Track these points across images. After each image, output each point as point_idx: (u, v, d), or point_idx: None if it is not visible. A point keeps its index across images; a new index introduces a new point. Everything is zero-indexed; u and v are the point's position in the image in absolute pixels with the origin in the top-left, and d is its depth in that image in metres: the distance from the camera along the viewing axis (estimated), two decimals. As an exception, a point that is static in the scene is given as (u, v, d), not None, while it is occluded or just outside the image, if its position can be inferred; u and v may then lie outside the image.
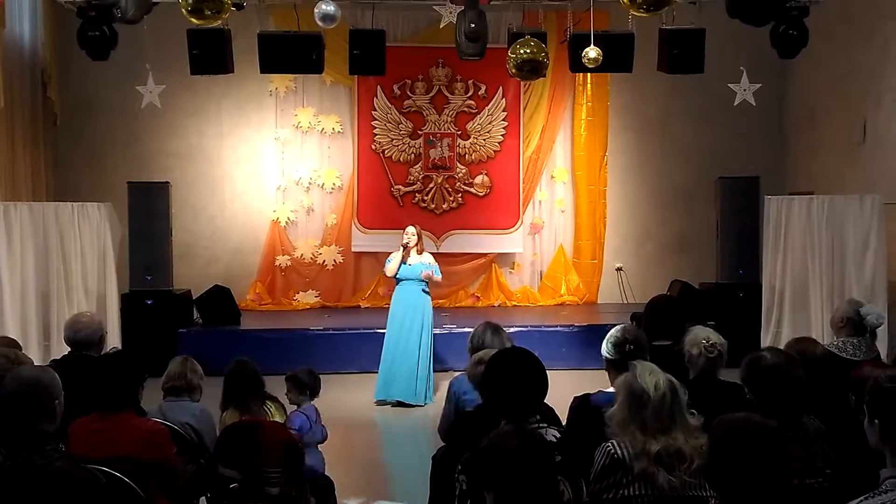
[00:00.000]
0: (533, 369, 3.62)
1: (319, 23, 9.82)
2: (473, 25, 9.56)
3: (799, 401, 3.63)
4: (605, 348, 4.31)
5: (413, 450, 7.82)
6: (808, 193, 10.31)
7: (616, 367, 4.18)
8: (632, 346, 4.20)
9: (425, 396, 8.86)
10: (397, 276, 8.99)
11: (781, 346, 4.53)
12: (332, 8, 9.67)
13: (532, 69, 8.60)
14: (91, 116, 12.64)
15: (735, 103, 10.41)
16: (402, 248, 8.97)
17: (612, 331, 4.36)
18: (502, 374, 3.61)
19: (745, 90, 10.30)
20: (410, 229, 9.05)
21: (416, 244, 8.99)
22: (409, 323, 8.92)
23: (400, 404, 8.82)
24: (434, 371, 9.14)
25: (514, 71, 8.62)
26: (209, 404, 5.06)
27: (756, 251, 10.59)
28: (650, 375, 3.32)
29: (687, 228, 13.09)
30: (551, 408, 4.01)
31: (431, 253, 9.56)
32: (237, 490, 4.18)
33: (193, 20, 5.82)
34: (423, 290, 9.00)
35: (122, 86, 11.65)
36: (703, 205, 12.17)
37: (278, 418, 4.95)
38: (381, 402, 8.92)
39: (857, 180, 10.76)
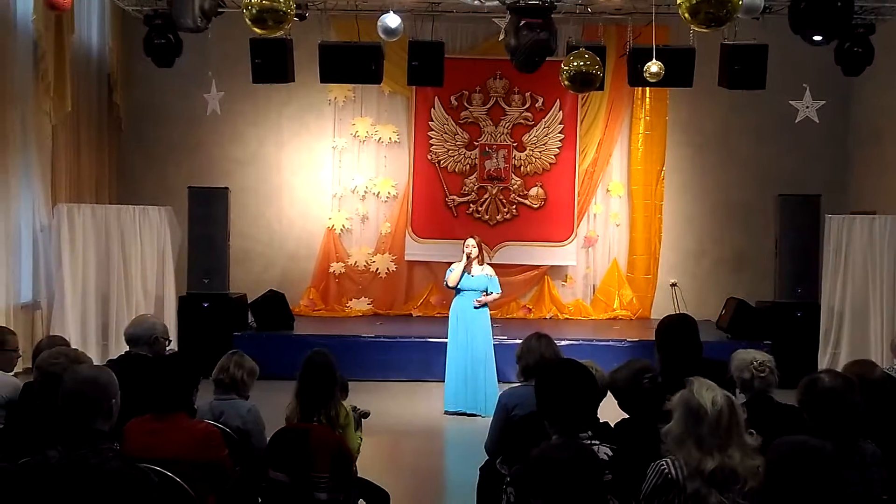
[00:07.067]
0: (585, 382, 3.60)
1: (382, 36, 9.92)
2: (513, 42, 9.39)
3: (855, 424, 3.57)
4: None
5: (465, 461, 7.76)
6: (870, 213, 10.11)
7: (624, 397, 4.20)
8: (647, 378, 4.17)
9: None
10: (458, 287, 8.92)
11: (839, 368, 4.45)
12: (396, 23, 9.78)
13: (584, 81, 8.55)
14: (155, 122, 12.89)
15: (797, 120, 10.26)
16: (464, 259, 8.88)
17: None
18: (554, 386, 3.59)
19: (807, 107, 10.16)
20: (470, 241, 8.93)
21: (478, 255, 8.97)
22: (472, 334, 8.86)
23: (471, 415, 8.72)
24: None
25: (566, 83, 8.59)
26: (259, 406, 5.09)
27: (815, 270, 10.40)
28: (707, 391, 3.26)
29: (744, 245, 12.89)
30: (607, 423, 3.93)
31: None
32: (286, 493, 4.22)
33: (257, 30, 5.91)
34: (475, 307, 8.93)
35: (186, 92, 11.91)
36: (762, 222, 11.97)
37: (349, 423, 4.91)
38: (451, 413, 8.81)
39: (921, 200, 10.52)
